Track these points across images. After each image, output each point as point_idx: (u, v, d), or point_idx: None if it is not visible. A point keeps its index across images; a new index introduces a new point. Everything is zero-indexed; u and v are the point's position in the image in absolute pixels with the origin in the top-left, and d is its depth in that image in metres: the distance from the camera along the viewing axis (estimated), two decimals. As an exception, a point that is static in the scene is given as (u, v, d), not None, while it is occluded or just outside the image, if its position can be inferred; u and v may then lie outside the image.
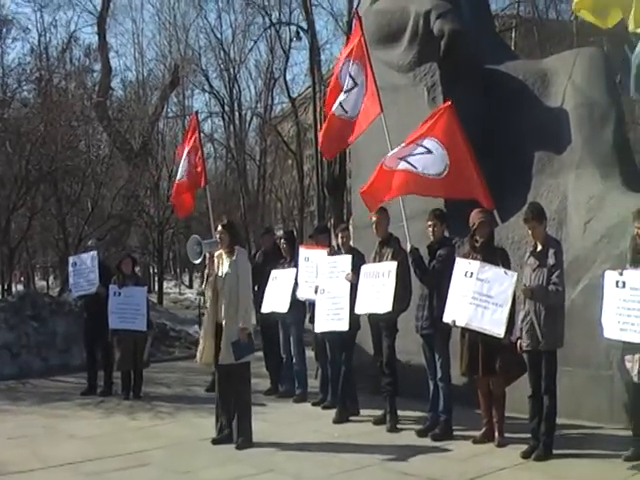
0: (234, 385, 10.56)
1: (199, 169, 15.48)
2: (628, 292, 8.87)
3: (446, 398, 10.68)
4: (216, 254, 10.67)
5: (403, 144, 11.19)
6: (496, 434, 10.17)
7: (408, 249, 10.92)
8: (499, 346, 9.72)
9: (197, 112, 19.33)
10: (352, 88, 12.17)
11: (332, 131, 12.62)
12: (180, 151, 16.44)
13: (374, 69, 11.98)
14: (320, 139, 13.83)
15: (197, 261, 10.88)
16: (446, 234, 11.09)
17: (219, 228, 10.80)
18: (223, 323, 10.41)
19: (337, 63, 13.15)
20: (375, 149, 12.68)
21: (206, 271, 10.79)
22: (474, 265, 9.96)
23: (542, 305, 9.35)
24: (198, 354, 10.81)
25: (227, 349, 10.33)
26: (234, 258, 10.56)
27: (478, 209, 10.48)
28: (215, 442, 10.57)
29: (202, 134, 16.76)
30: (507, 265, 10.02)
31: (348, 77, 12.22)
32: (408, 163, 11.04)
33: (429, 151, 10.93)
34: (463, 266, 10.09)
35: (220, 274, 10.59)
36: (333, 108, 12.44)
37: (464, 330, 10.11)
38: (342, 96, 12.27)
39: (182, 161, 15.86)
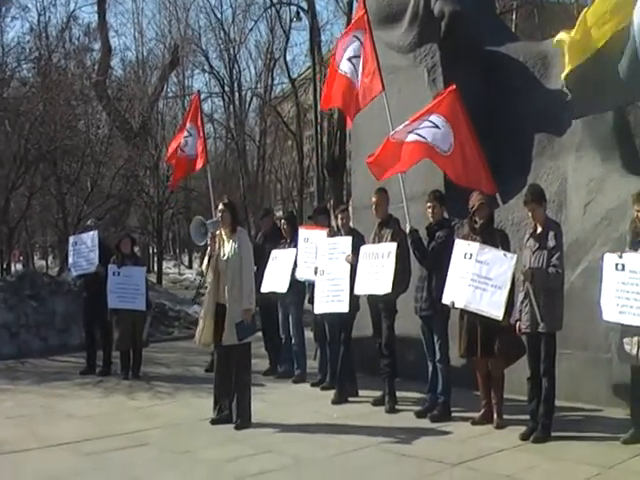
0: (234, 365, 10.55)
1: (200, 149, 15.49)
2: (627, 275, 8.90)
3: (445, 380, 10.70)
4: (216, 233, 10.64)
5: (407, 121, 11.12)
6: (495, 416, 10.19)
7: (407, 230, 10.90)
8: (498, 328, 9.72)
9: (199, 92, 19.27)
10: (358, 56, 12.13)
11: (337, 88, 12.53)
12: (182, 128, 16.44)
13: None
14: (324, 92, 13.55)
15: (202, 242, 10.71)
16: (445, 215, 11.10)
17: (220, 207, 10.73)
18: (227, 304, 10.35)
19: (341, 38, 13.04)
20: (375, 129, 12.67)
21: (208, 251, 10.75)
22: (473, 247, 9.96)
23: (542, 287, 9.35)
24: (197, 334, 10.76)
25: (231, 330, 10.29)
26: (236, 238, 10.54)
27: (478, 191, 10.46)
28: (214, 422, 10.58)
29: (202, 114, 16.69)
30: (507, 247, 10.02)
31: (356, 41, 12.18)
32: (417, 135, 10.95)
33: (436, 126, 10.86)
34: (462, 248, 10.08)
35: (222, 255, 10.54)
36: (341, 66, 12.35)
37: (463, 312, 10.11)
38: (349, 54, 12.23)
39: (183, 138, 15.87)
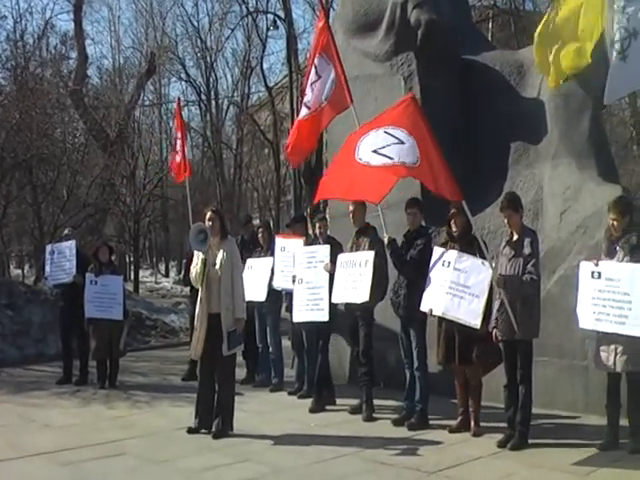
0: (218, 375, 10.48)
1: (179, 158, 15.58)
2: (603, 282, 8.93)
3: (422, 387, 10.70)
4: None
5: (370, 130, 10.94)
6: (472, 423, 10.22)
7: (385, 240, 10.86)
8: (476, 335, 9.73)
9: (180, 98, 19.33)
10: (315, 81, 12.11)
11: (299, 137, 12.57)
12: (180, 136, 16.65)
13: (351, 59, 11.96)
14: (288, 150, 13.42)
15: (203, 250, 10.33)
16: (422, 223, 11.09)
17: (209, 215, 10.51)
18: (221, 313, 10.25)
19: (309, 59, 13.02)
20: (352, 139, 12.65)
21: (196, 260, 10.50)
22: (451, 254, 10.00)
23: (517, 295, 9.38)
24: (193, 347, 10.57)
25: (226, 339, 10.25)
26: (226, 247, 10.43)
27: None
28: (191, 431, 10.53)
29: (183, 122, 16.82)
30: (484, 255, 10.04)
31: (313, 70, 12.16)
32: (383, 156, 10.80)
33: (401, 141, 10.76)
34: (440, 255, 10.12)
35: (213, 263, 10.38)
36: (300, 115, 12.41)
37: (441, 319, 10.14)
38: (306, 96, 12.24)
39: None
